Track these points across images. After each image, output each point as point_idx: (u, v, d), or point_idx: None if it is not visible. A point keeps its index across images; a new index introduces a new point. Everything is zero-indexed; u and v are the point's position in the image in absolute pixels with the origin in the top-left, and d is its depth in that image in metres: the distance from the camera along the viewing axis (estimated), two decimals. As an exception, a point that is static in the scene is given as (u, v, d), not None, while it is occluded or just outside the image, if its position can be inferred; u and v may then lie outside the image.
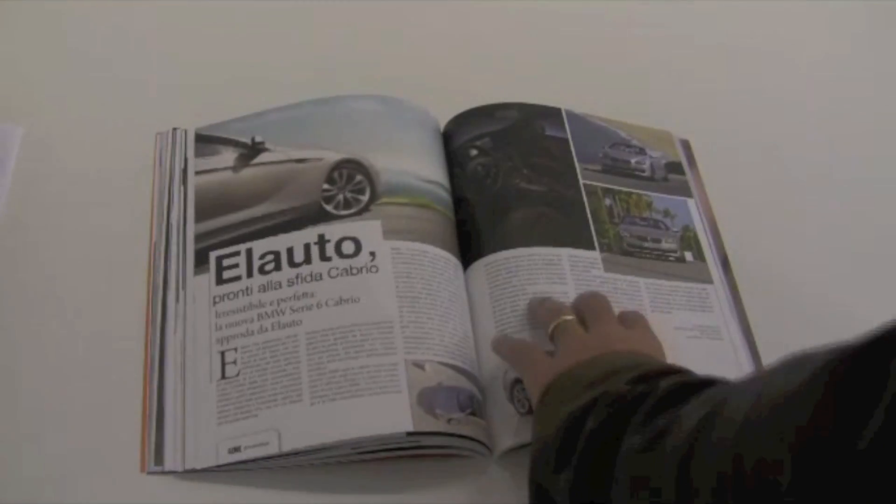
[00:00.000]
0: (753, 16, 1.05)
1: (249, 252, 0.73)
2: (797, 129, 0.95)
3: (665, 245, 0.81)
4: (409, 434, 0.64)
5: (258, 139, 0.80)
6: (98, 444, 0.66)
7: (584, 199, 0.81)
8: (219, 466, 0.65)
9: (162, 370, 0.70)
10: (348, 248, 0.72)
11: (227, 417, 0.66)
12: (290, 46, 0.93)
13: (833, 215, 0.89)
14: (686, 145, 0.90)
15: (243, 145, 0.80)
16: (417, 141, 0.81)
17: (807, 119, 0.96)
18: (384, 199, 0.75)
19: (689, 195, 0.86)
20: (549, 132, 0.84)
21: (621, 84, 0.94)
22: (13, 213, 0.77)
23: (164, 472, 0.65)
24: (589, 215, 0.80)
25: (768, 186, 0.89)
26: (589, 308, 0.69)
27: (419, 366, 0.67)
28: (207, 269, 0.74)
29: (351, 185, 0.76)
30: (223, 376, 0.68)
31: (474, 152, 0.81)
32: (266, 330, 0.69)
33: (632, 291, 0.76)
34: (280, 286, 0.71)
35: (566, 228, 0.78)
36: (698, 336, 0.76)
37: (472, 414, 0.67)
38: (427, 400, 0.66)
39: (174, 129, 0.83)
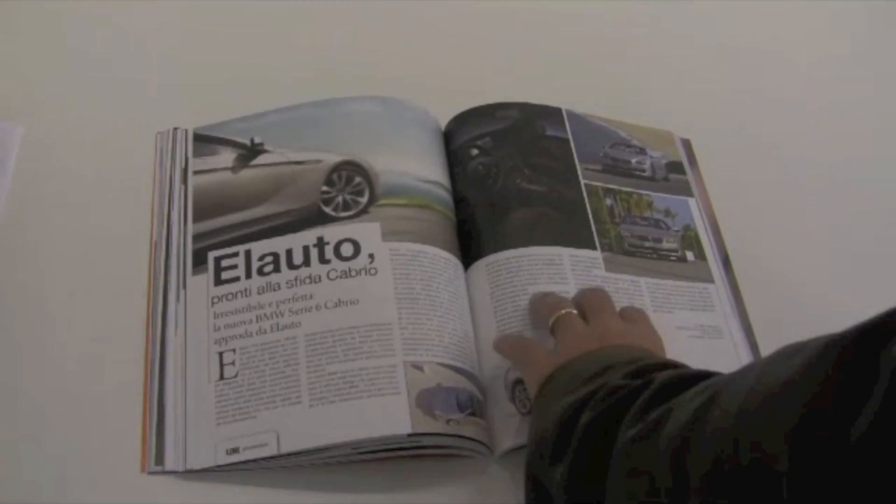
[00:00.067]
0: (753, 16, 1.04)
1: (248, 253, 0.74)
2: (797, 128, 0.95)
3: (666, 245, 0.81)
4: (410, 434, 0.64)
5: (257, 140, 0.80)
6: (98, 444, 0.66)
7: (585, 198, 0.81)
8: (218, 467, 0.65)
9: (162, 370, 0.70)
10: (347, 250, 0.72)
11: (226, 418, 0.67)
12: (291, 46, 0.93)
13: (834, 214, 0.88)
14: (687, 145, 0.90)
15: (242, 146, 0.80)
16: (417, 141, 0.81)
17: (807, 118, 0.96)
18: (383, 201, 0.75)
19: (690, 195, 0.86)
20: (550, 132, 0.84)
21: (622, 84, 0.94)
22: (13, 212, 0.78)
23: (164, 472, 0.65)
24: (590, 215, 0.80)
25: (769, 186, 0.89)
26: (589, 302, 0.69)
27: (418, 367, 0.67)
28: (206, 270, 0.74)
29: (350, 187, 0.76)
30: (222, 377, 0.68)
31: (475, 152, 0.81)
32: (265, 331, 0.69)
33: (633, 291, 0.76)
34: (279, 288, 0.71)
35: (567, 228, 0.78)
36: (700, 335, 0.76)
37: (473, 414, 0.67)
38: (426, 401, 0.66)
39: (175, 129, 0.83)
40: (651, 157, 0.87)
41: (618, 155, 0.86)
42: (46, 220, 0.78)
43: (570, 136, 0.85)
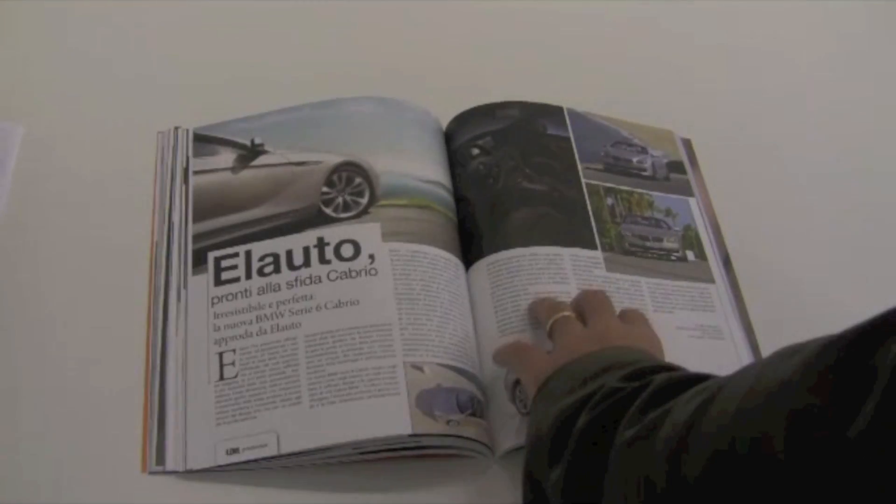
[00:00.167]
0: (754, 15, 1.04)
1: (248, 254, 0.74)
2: (798, 128, 0.94)
3: (667, 244, 0.81)
4: (411, 434, 0.64)
5: (258, 141, 0.80)
6: (99, 444, 0.66)
7: (586, 198, 0.81)
8: (219, 467, 0.65)
9: (163, 370, 0.70)
10: (347, 250, 0.72)
11: (226, 418, 0.67)
12: (291, 47, 0.93)
13: (834, 214, 0.88)
14: (687, 144, 0.90)
15: (242, 147, 0.80)
16: (417, 141, 0.81)
17: (808, 118, 0.96)
18: (383, 202, 0.75)
19: (691, 194, 0.86)
20: (551, 131, 0.84)
21: (623, 83, 0.94)
22: (13, 212, 0.78)
23: (165, 472, 0.65)
24: (591, 215, 0.80)
25: (770, 186, 0.89)
26: (588, 304, 0.69)
27: (418, 368, 0.67)
28: (205, 270, 0.74)
29: (350, 188, 0.76)
30: (221, 377, 0.68)
31: (476, 151, 0.81)
32: (265, 332, 0.69)
33: (633, 291, 0.76)
34: (279, 288, 0.71)
35: (568, 228, 0.78)
36: (700, 336, 0.76)
37: (473, 415, 0.67)
38: (426, 402, 0.66)
39: (176, 128, 0.83)
40: (652, 156, 0.87)
41: (619, 154, 0.85)
42: (47, 219, 0.78)
43: (571, 135, 0.85)
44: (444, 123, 0.84)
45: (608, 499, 0.50)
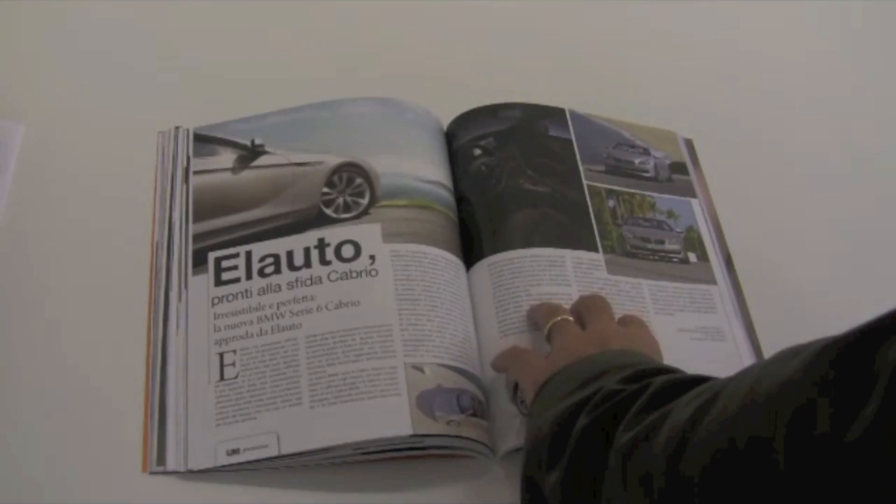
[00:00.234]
0: (757, 16, 1.04)
1: (249, 254, 0.74)
2: (800, 128, 0.94)
3: (668, 246, 0.81)
4: (411, 435, 0.64)
5: (258, 141, 0.80)
6: (100, 445, 0.66)
7: (588, 200, 0.81)
8: (219, 468, 0.65)
9: (164, 370, 0.70)
10: (348, 251, 0.72)
11: (226, 419, 0.67)
12: (292, 46, 0.93)
13: (836, 215, 0.88)
14: (689, 145, 0.90)
15: (243, 147, 0.80)
16: (418, 142, 0.81)
17: (810, 119, 0.95)
18: (384, 202, 0.75)
19: (693, 196, 0.85)
20: (553, 132, 0.84)
21: (625, 84, 0.94)
22: (14, 211, 0.78)
23: (166, 473, 0.65)
24: (592, 216, 0.79)
25: (772, 186, 0.89)
26: (586, 307, 0.69)
27: (419, 368, 0.67)
28: (206, 270, 0.74)
29: (351, 189, 0.76)
30: (222, 378, 0.68)
31: (478, 152, 0.81)
32: (265, 333, 0.69)
33: (635, 293, 0.76)
34: (280, 289, 0.71)
35: (569, 230, 0.78)
36: (702, 338, 0.76)
37: (474, 415, 0.67)
38: (426, 402, 0.66)
39: (176, 128, 0.83)
40: (654, 157, 0.87)
41: (621, 156, 0.85)
42: (47, 218, 0.78)
43: (573, 137, 0.84)
44: (445, 124, 0.84)
45: (607, 501, 0.50)
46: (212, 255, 0.74)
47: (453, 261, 0.75)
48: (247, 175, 0.79)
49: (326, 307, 0.70)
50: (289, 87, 0.86)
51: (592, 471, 0.51)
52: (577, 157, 0.83)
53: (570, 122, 0.85)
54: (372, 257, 0.72)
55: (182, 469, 0.65)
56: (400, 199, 0.76)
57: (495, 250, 0.75)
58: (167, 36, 0.92)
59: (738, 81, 0.97)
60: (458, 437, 0.65)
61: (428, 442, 0.65)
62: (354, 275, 0.71)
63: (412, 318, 0.69)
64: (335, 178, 0.77)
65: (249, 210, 0.76)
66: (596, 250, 0.77)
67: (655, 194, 0.84)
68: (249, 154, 0.80)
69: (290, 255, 0.73)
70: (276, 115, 0.82)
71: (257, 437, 0.65)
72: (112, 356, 0.71)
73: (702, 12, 1.03)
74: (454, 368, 0.69)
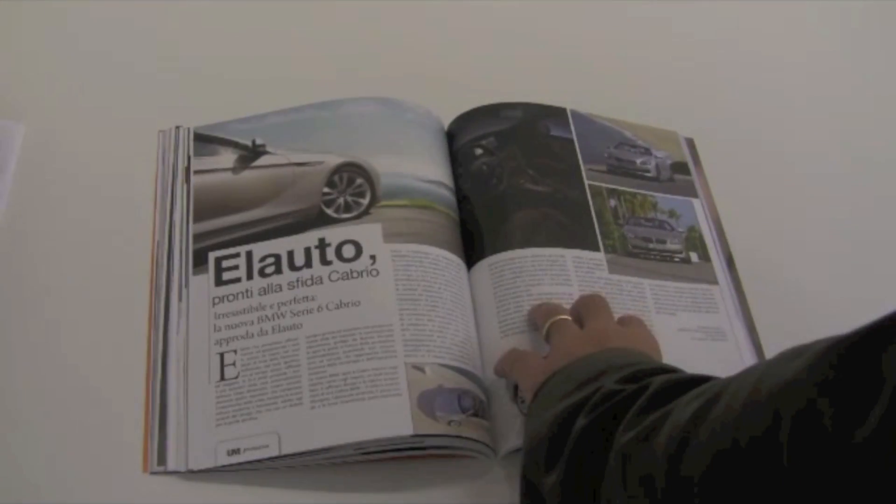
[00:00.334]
0: (758, 15, 1.04)
1: (249, 254, 0.73)
2: (802, 128, 0.94)
3: (670, 246, 0.81)
4: (412, 435, 0.64)
5: (259, 141, 0.80)
6: (100, 445, 0.66)
7: (589, 199, 0.80)
8: (220, 468, 0.65)
9: (164, 369, 0.69)
10: (349, 251, 0.72)
11: (226, 419, 0.66)
12: (293, 46, 0.93)
13: (838, 215, 0.88)
14: (690, 144, 0.90)
15: (244, 147, 0.80)
16: (419, 142, 0.80)
17: (811, 118, 0.96)
18: (385, 202, 0.75)
19: (695, 195, 0.85)
20: (555, 132, 0.84)
21: (626, 84, 0.94)
22: (14, 210, 0.77)
23: (166, 473, 0.65)
24: (593, 216, 0.79)
25: (774, 186, 0.89)
26: (585, 307, 0.69)
27: (419, 368, 0.67)
28: (206, 270, 0.74)
29: (351, 189, 0.76)
30: (222, 378, 0.68)
31: (479, 151, 0.81)
32: (266, 333, 0.69)
33: (636, 293, 0.76)
34: (280, 289, 0.71)
35: (570, 229, 0.78)
36: (703, 338, 0.76)
37: (475, 415, 0.67)
38: (427, 402, 0.66)
39: (177, 127, 0.82)
40: (656, 157, 0.87)
41: (622, 155, 0.85)
42: (48, 218, 0.78)
43: (574, 137, 0.84)
44: (446, 124, 0.84)
45: (607, 501, 0.50)
46: (212, 255, 0.74)
47: (454, 261, 0.75)
48: (247, 175, 0.79)
49: (327, 307, 0.70)
50: (289, 87, 0.86)
51: (591, 471, 0.51)
52: (579, 156, 0.83)
53: (571, 122, 0.85)
54: (373, 257, 0.72)
55: (182, 469, 0.65)
56: (401, 199, 0.76)
57: (496, 250, 0.75)
58: (167, 36, 0.92)
59: (738, 81, 0.98)
60: (458, 437, 0.65)
61: (429, 442, 0.65)
62: (355, 275, 0.71)
63: (413, 318, 0.69)
64: (336, 178, 0.77)
65: (250, 210, 0.76)
66: (597, 250, 0.77)
67: (657, 194, 0.84)
68: (250, 154, 0.80)
69: (290, 255, 0.73)
70: (276, 115, 0.82)
71: (258, 437, 0.65)
72: (112, 356, 0.71)
73: (702, 12, 1.03)
74: (455, 368, 0.68)
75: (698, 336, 0.76)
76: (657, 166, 0.86)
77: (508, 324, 0.72)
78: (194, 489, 0.65)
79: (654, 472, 0.46)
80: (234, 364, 0.69)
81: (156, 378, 0.69)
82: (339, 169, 0.77)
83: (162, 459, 0.66)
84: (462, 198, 0.79)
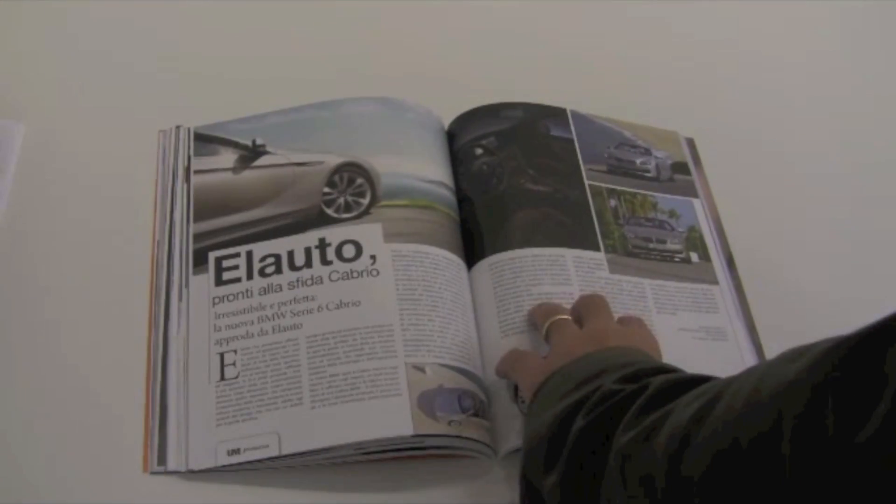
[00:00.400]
0: (759, 15, 1.04)
1: (249, 254, 0.73)
2: (803, 128, 0.94)
3: (670, 246, 0.81)
4: (412, 435, 0.64)
5: (259, 141, 0.80)
6: (101, 445, 0.66)
7: (589, 199, 0.80)
8: (220, 468, 0.65)
9: (165, 369, 0.69)
10: (349, 251, 0.72)
11: (226, 419, 0.66)
12: (293, 46, 0.93)
13: (839, 215, 0.88)
14: (691, 143, 0.90)
15: (244, 147, 0.80)
16: (419, 141, 0.80)
17: (812, 118, 0.95)
18: (385, 202, 0.75)
19: (695, 195, 0.85)
20: (555, 132, 0.84)
21: (627, 84, 0.94)
22: (14, 210, 0.77)
23: (166, 473, 0.65)
24: (594, 216, 0.79)
25: (774, 186, 0.89)
26: (584, 306, 0.69)
27: (420, 368, 0.67)
28: (206, 270, 0.74)
29: (352, 189, 0.76)
30: (222, 378, 0.68)
31: (479, 151, 0.81)
32: (266, 333, 0.69)
33: (636, 293, 0.76)
34: (280, 289, 0.71)
35: (571, 229, 0.78)
36: (703, 337, 0.76)
37: (475, 415, 0.67)
38: (427, 402, 0.66)
39: (177, 127, 0.82)
40: (656, 157, 0.87)
41: (622, 155, 0.85)
42: (48, 217, 0.78)
43: (574, 137, 0.84)
44: (446, 123, 0.84)
45: (607, 501, 0.50)
46: (212, 255, 0.74)
47: (455, 260, 0.75)
48: (247, 175, 0.79)
49: (327, 307, 0.70)
50: (290, 87, 0.86)
51: (591, 472, 0.51)
52: (579, 156, 0.83)
53: (571, 122, 0.85)
54: (373, 257, 0.72)
55: (183, 469, 0.65)
56: (401, 199, 0.76)
57: (496, 250, 0.75)
58: (167, 36, 0.92)
59: (738, 81, 0.97)
60: (459, 437, 0.65)
61: (429, 442, 0.65)
62: (355, 275, 0.71)
63: (413, 318, 0.69)
64: (336, 178, 0.77)
65: (250, 210, 0.76)
66: (598, 249, 0.77)
67: (657, 194, 0.84)
68: (250, 154, 0.80)
69: (290, 254, 0.73)
70: (276, 115, 0.82)
71: (258, 437, 0.65)
72: (112, 356, 0.70)
73: (702, 12, 1.03)
74: (455, 368, 0.68)
75: (699, 336, 0.76)
76: (657, 166, 0.86)
77: (509, 324, 0.72)
78: (194, 489, 0.65)
79: (654, 472, 0.46)
80: (234, 364, 0.69)
81: (156, 378, 0.69)
82: (340, 169, 0.77)
83: (162, 459, 0.66)
84: (462, 198, 0.79)
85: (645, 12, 1.01)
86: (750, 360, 0.75)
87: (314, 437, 0.65)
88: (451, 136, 0.83)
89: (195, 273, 0.74)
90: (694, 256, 0.81)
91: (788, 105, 0.96)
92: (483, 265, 0.75)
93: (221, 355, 0.69)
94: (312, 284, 0.71)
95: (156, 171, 0.80)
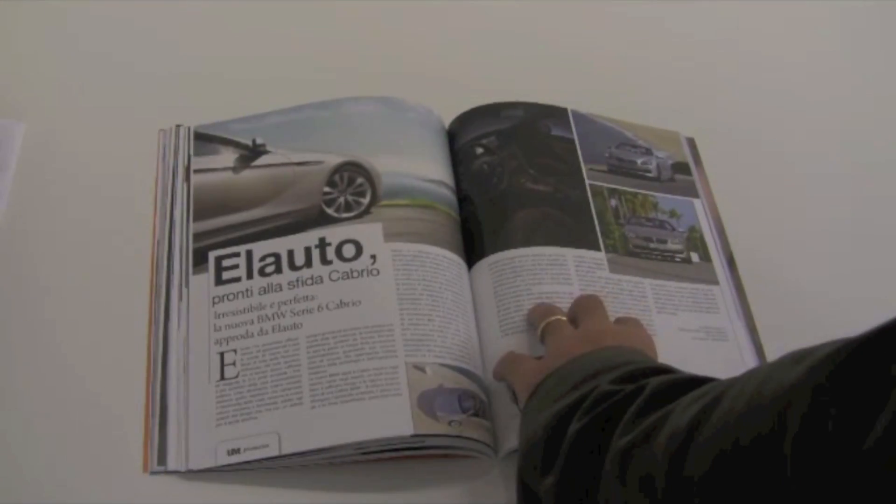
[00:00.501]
0: (760, 15, 1.04)
1: (249, 254, 0.73)
2: (803, 128, 0.94)
3: (671, 246, 0.81)
4: (412, 435, 0.64)
5: (259, 141, 0.80)
6: (101, 444, 0.66)
7: (590, 199, 0.80)
8: (220, 467, 0.65)
9: (165, 369, 0.69)
10: (349, 251, 0.72)
11: (227, 419, 0.66)
12: (293, 46, 0.93)
13: (840, 215, 0.88)
14: (692, 143, 0.90)
15: (244, 147, 0.80)
16: (419, 141, 0.80)
17: (813, 118, 0.95)
18: (385, 202, 0.75)
19: (696, 195, 0.85)
20: (556, 132, 0.84)
21: (628, 84, 0.94)
22: (15, 209, 0.77)
23: (166, 473, 0.65)
24: (594, 216, 0.79)
25: (775, 187, 0.89)
26: (580, 307, 0.69)
27: (420, 368, 0.67)
28: (206, 269, 0.74)
29: (352, 188, 0.76)
30: (222, 377, 0.68)
31: (479, 150, 0.81)
32: (266, 332, 0.69)
33: (637, 292, 0.76)
34: (280, 289, 0.71)
35: (571, 229, 0.78)
36: (704, 338, 0.76)
37: (476, 415, 0.67)
38: (428, 402, 0.66)
39: (177, 126, 0.82)
40: (657, 157, 0.87)
41: (623, 155, 0.85)
42: (48, 216, 0.78)
43: (575, 137, 0.84)
44: (447, 123, 0.84)
45: (605, 502, 0.50)
46: (212, 255, 0.74)
47: (455, 260, 0.74)
48: (248, 174, 0.79)
49: (327, 307, 0.70)
50: (290, 87, 0.86)
51: (588, 474, 0.51)
52: (580, 156, 0.83)
53: (572, 122, 0.85)
54: (373, 257, 0.72)
55: (183, 469, 0.65)
56: (401, 199, 0.76)
57: (497, 249, 0.75)
58: (167, 36, 0.92)
59: (738, 81, 0.97)
60: (459, 437, 0.65)
61: (429, 442, 0.65)
62: (356, 274, 0.71)
63: (413, 318, 0.69)
64: (336, 178, 0.77)
65: (250, 209, 0.76)
66: (598, 249, 0.77)
67: (658, 194, 0.84)
68: (250, 153, 0.80)
69: (290, 254, 0.73)
70: (276, 115, 0.82)
71: (258, 437, 0.65)
72: (112, 356, 0.70)
73: (702, 12, 1.03)
74: (456, 368, 0.68)
75: (699, 336, 0.76)
76: (658, 166, 0.86)
77: (509, 323, 0.72)
78: (194, 489, 0.65)
79: (654, 473, 0.46)
80: (234, 364, 0.68)
81: (156, 378, 0.69)
82: (340, 168, 0.77)
83: (162, 459, 0.66)
84: (463, 197, 0.79)
85: (645, 12, 1.01)
86: (750, 361, 0.75)
87: (314, 436, 0.65)
88: (452, 135, 0.83)
89: (195, 272, 0.73)
90: (694, 256, 0.81)
91: (789, 105, 0.96)
92: (483, 265, 0.75)
93: (221, 355, 0.69)
94: (312, 284, 0.71)
95: (156, 170, 0.80)
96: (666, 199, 0.84)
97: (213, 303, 0.72)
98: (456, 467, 0.68)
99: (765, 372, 0.43)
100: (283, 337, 0.69)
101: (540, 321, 0.68)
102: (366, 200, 0.75)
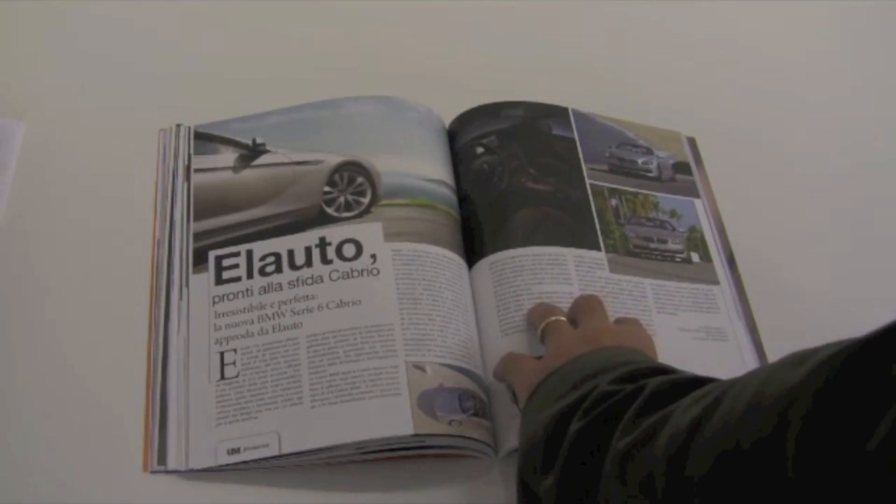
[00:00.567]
0: (760, 15, 1.04)
1: (250, 253, 0.73)
2: (804, 128, 0.94)
3: (671, 246, 0.81)
4: (412, 435, 0.64)
5: (259, 140, 0.80)
6: (101, 444, 0.66)
7: (590, 199, 0.80)
8: (221, 467, 0.65)
9: (165, 368, 0.69)
10: (349, 250, 0.72)
11: (227, 418, 0.66)
12: (293, 45, 0.93)
13: (840, 215, 0.88)
14: (692, 143, 0.90)
15: (244, 146, 0.80)
16: (419, 140, 0.80)
17: (810, 119, 0.95)
18: (385, 201, 0.75)
19: (696, 195, 0.85)
20: (556, 131, 0.84)
21: (628, 84, 0.94)
22: (15, 209, 0.77)
23: (167, 472, 0.65)
24: (595, 216, 0.79)
25: (775, 187, 0.89)
26: (580, 307, 0.69)
27: (420, 368, 0.67)
28: (206, 269, 0.74)
29: (352, 188, 0.76)
30: (222, 377, 0.68)
31: (480, 150, 0.81)
32: (266, 332, 0.69)
33: (637, 292, 0.76)
34: (281, 288, 0.71)
35: (571, 229, 0.78)
36: (704, 337, 0.76)
37: (476, 415, 0.67)
38: (428, 402, 0.66)
39: (177, 125, 0.82)
40: (658, 157, 0.87)
41: (624, 155, 0.85)
42: (48, 216, 0.78)
43: (576, 136, 0.84)
44: (447, 122, 0.84)
45: (605, 502, 0.50)
46: (212, 254, 0.74)
47: (455, 260, 0.74)
48: (248, 174, 0.78)
49: (327, 306, 0.70)
50: (290, 86, 0.86)
51: (588, 474, 0.51)
52: (580, 156, 0.83)
53: (573, 122, 0.85)
54: (373, 256, 0.72)
55: (183, 468, 0.65)
56: (401, 198, 0.76)
57: (497, 249, 0.75)
58: (167, 36, 0.92)
59: (738, 81, 0.98)
60: (459, 437, 0.65)
61: (429, 442, 0.65)
62: (356, 274, 0.71)
63: (414, 318, 0.69)
64: (336, 177, 0.77)
65: (250, 209, 0.76)
66: (598, 249, 0.77)
67: (658, 194, 0.84)
68: (250, 153, 0.80)
69: (291, 254, 0.73)
70: (277, 114, 0.82)
71: (258, 437, 0.65)
72: (112, 355, 0.70)
73: (702, 12, 1.03)
74: (456, 368, 0.68)
75: (699, 336, 0.76)
76: (659, 166, 0.86)
77: (509, 323, 0.72)
78: (194, 489, 0.65)
79: (654, 474, 0.46)
80: (234, 363, 0.68)
81: (156, 377, 0.69)
82: (340, 168, 0.77)
83: (162, 459, 0.66)
84: (463, 197, 0.79)
85: (645, 12, 1.01)
86: (750, 361, 0.75)
87: (314, 436, 0.65)
88: (452, 135, 0.83)
89: (195, 272, 0.73)
90: (695, 256, 0.81)
91: (789, 105, 0.96)
92: (483, 264, 0.75)
93: (221, 354, 0.69)
94: (313, 283, 0.71)
95: (156, 170, 0.80)
96: (666, 199, 0.84)
97: (214, 302, 0.72)
98: (456, 467, 0.68)
99: (766, 373, 0.43)
100: (283, 336, 0.69)
101: (540, 321, 0.68)
102: (366, 200, 0.75)
